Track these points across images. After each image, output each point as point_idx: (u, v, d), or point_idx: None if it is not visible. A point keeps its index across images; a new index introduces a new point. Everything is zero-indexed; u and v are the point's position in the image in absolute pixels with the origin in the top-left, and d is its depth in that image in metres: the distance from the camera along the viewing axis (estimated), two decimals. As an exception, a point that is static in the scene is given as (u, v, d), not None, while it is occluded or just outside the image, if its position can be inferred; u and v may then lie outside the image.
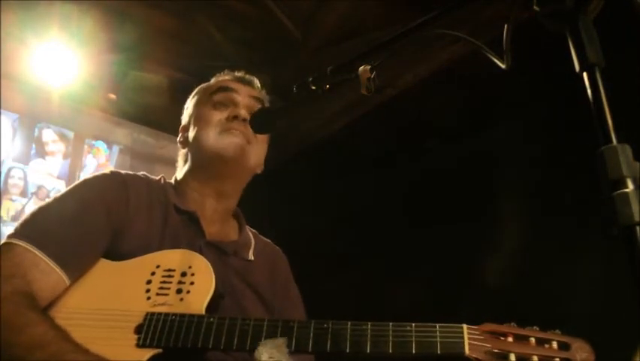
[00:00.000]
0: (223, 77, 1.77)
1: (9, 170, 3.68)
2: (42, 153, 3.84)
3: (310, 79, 1.15)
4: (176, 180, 1.69)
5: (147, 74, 3.71)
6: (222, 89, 1.69)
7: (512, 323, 1.24)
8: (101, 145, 4.07)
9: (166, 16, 3.45)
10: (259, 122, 1.32)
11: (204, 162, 1.64)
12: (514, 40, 0.92)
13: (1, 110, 3.60)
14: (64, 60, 3.51)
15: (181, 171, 1.71)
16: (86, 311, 1.30)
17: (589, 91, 0.76)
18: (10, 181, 3.68)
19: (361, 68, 1.10)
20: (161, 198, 1.56)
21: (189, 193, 1.63)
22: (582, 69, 0.77)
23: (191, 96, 1.81)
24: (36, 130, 3.84)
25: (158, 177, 1.66)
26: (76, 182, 1.53)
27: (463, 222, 3.25)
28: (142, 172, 1.64)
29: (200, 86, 1.81)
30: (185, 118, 1.79)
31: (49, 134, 3.88)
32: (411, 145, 3.69)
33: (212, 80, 1.80)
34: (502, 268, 2.98)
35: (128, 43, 3.50)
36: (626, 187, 0.69)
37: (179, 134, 1.77)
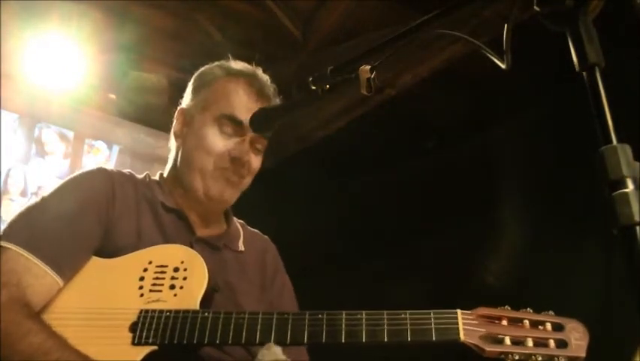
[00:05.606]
0: (241, 95, 1.56)
1: (9, 170, 3.68)
2: (42, 153, 3.83)
3: (310, 79, 1.14)
4: (162, 176, 1.61)
5: (147, 74, 3.70)
6: (234, 121, 1.53)
7: (506, 306, 1.24)
8: (101, 145, 4.07)
9: (166, 16, 3.44)
10: (259, 121, 1.32)
11: (190, 191, 1.55)
12: (514, 40, 0.91)
13: (1, 110, 3.60)
14: (65, 60, 3.50)
15: (169, 167, 1.63)
16: (79, 311, 1.29)
17: (589, 91, 0.76)
18: (10, 181, 3.67)
19: (361, 68, 1.10)
20: (148, 196, 1.52)
21: (175, 193, 1.58)
22: (582, 69, 0.77)
23: (202, 76, 1.63)
24: (36, 130, 3.83)
25: (142, 175, 1.60)
26: (63, 181, 1.48)
27: (464, 222, 3.25)
28: (127, 170, 1.60)
29: (217, 69, 1.62)
30: (188, 101, 1.62)
31: (49, 135, 3.88)
32: (411, 145, 3.69)
33: (234, 66, 1.62)
34: (503, 268, 2.98)
35: (128, 43, 3.50)
36: (626, 187, 0.69)
37: (177, 120, 1.62)
